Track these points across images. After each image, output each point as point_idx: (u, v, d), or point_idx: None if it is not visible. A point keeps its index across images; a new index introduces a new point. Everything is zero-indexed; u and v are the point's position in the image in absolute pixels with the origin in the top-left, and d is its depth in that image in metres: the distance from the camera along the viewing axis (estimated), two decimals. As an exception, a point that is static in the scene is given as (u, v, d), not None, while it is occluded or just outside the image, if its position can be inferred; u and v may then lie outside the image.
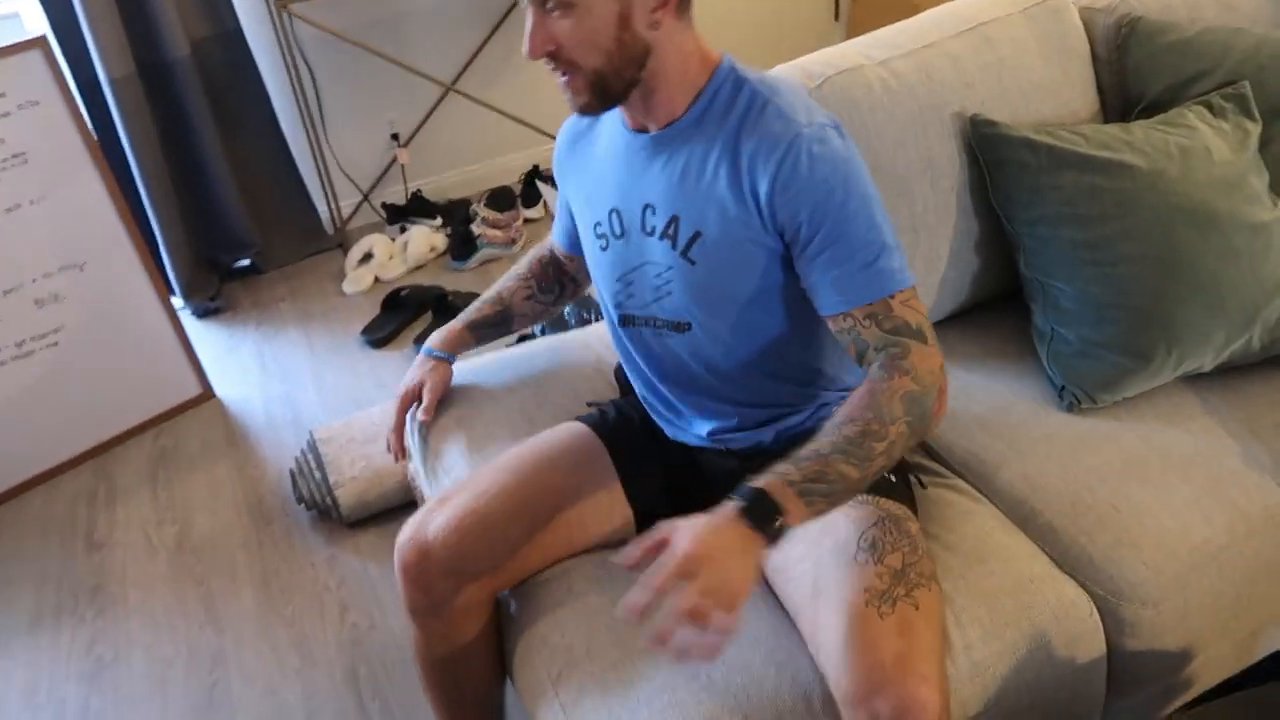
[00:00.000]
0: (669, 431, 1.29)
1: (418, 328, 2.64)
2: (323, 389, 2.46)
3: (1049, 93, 1.54)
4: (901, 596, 0.99)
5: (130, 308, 2.28)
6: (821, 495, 0.94)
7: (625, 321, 1.21)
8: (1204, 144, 1.41)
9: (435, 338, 1.46)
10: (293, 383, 2.50)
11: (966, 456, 1.36)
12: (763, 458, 1.05)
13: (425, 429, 1.50)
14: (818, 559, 1.06)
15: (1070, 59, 1.57)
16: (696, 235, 1.09)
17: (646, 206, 1.13)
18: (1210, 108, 1.49)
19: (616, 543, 1.25)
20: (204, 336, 2.71)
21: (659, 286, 1.14)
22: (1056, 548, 1.23)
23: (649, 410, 1.31)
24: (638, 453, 1.29)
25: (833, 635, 0.98)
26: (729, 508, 0.91)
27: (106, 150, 2.47)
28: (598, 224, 1.20)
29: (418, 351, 2.51)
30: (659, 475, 1.29)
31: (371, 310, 2.75)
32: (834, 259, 1.03)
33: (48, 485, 2.25)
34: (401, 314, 2.67)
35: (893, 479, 1.16)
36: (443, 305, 2.64)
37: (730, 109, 1.07)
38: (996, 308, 1.60)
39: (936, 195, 1.47)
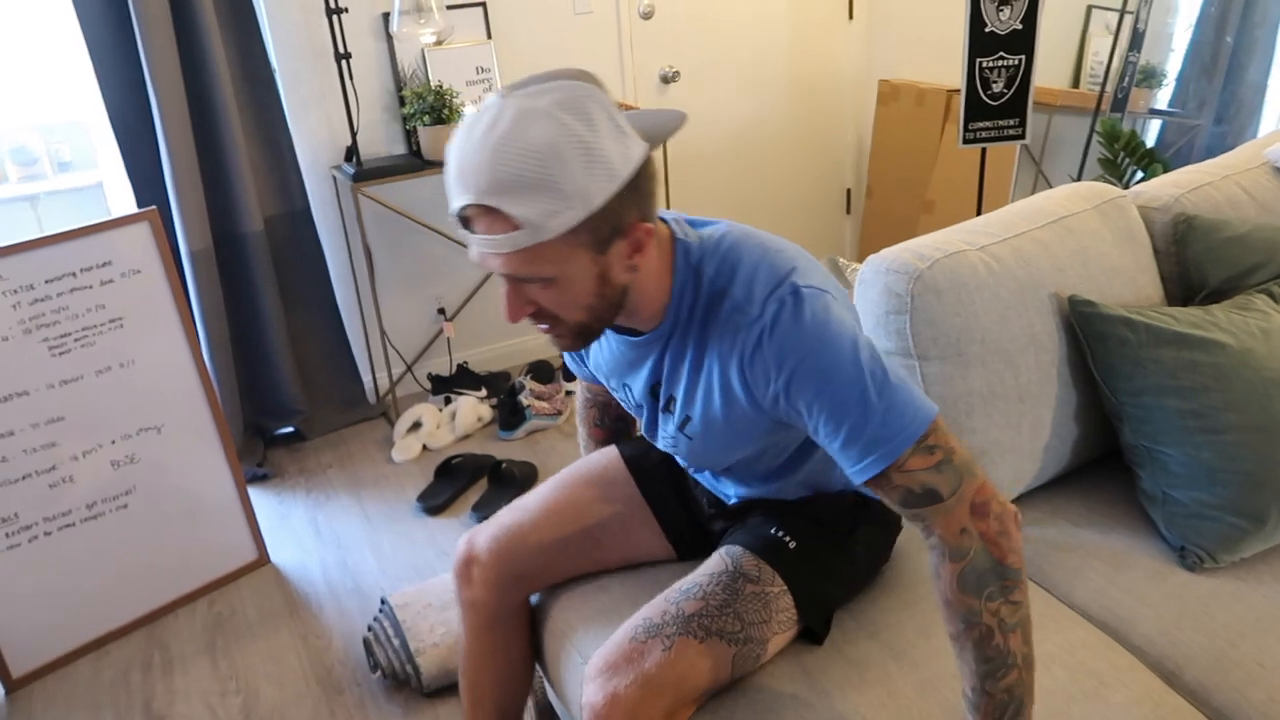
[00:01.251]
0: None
1: (473, 495, 2.66)
2: (381, 556, 2.44)
3: (1126, 278, 1.70)
4: (666, 635, 1.16)
5: (200, 469, 2.28)
6: (1012, 683, 1.03)
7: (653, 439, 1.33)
8: (1279, 326, 1.56)
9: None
10: (349, 549, 2.47)
11: (1100, 611, 1.41)
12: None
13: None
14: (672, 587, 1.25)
15: (1138, 250, 1.74)
16: (686, 419, 1.20)
17: (652, 385, 1.22)
18: (1272, 295, 1.65)
19: (651, 561, 1.49)
20: (253, 503, 2.68)
21: (672, 445, 1.28)
22: (1209, 706, 1.27)
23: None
24: (664, 486, 1.46)
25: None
26: None
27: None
28: (616, 389, 1.32)
29: (475, 520, 2.54)
30: (683, 508, 1.47)
31: (422, 478, 2.77)
32: (830, 434, 1.05)
33: (95, 655, 2.17)
34: (456, 482, 2.69)
35: (790, 543, 1.27)
36: (497, 473, 2.68)
37: (694, 309, 1.12)
38: (1093, 473, 1.69)
39: (1039, 368, 1.59)
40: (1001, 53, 2.64)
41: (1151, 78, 3.40)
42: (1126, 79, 3.15)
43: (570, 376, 3.23)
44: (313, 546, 2.50)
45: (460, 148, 0.96)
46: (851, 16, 3.64)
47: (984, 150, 2.83)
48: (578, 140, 0.93)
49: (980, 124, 2.72)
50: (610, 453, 1.52)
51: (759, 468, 1.30)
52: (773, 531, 1.29)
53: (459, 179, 0.96)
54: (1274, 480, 1.42)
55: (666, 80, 3.36)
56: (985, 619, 1.01)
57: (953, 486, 1.02)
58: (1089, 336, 1.57)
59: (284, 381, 2.88)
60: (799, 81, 3.64)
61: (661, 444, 1.30)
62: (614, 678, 1.15)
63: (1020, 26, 2.61)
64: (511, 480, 2.65)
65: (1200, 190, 1.85)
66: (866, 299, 1.61)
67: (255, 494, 2.74)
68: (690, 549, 1.47)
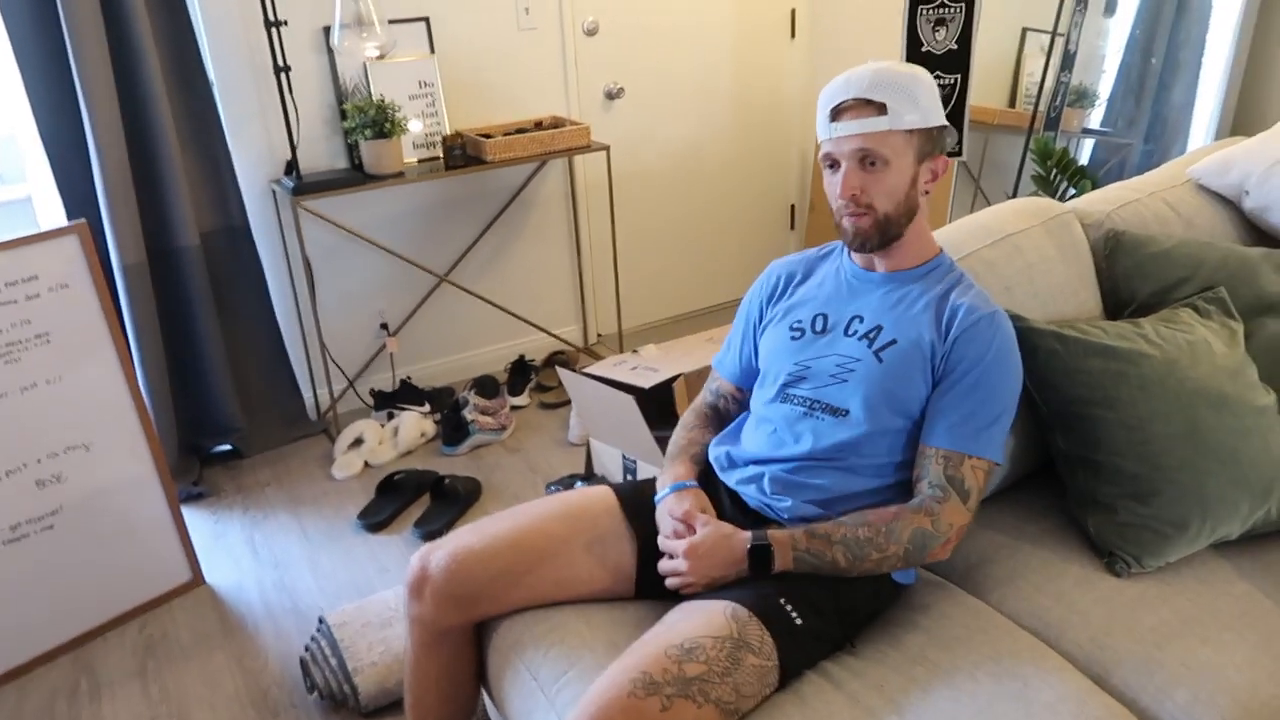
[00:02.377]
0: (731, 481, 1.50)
1: (415, 512, 2.62)
2: (320, 574, 2.39)
3: (1070, 293, 1.73)
4: (666, 694, 1.15)
5: (130, 489, 2.21)
6: (809, 564, 1.33)
7: (784, 398, 1.46)
8: (1204, 338, 1.60)
9: (667, 475, 1.52)
10: (287, 569, 2.42)
11: (1030, 618, 1.44)
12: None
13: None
14: (668, 624, 1.28)
15: (1081, 264, 1.78)
16: (892, 341, 1.40)
17: (855, 317, 1.45)
18: (1197, 310, 1.70)
19: (610, 598, 1.48)
20: (188, 522, 2.61)
21: (836, 374, 1.42)
22: (1135, 707, 1.29)
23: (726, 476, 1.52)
24: (650, 524, 1.47)
25: (602, 676, 1.19)
26: (741, 539, 1.34)
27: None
28: (797, 322, 1.50)
29: (418, 536, 2.51)
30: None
31: (363, 495, 2.72)
32: (961, 403, 1.36)
33: (19, 682, 2.09)
34: (398, 498, 2.65)
35: (796, 619, 1.30)
36: (440, 488, 2.64)
37: (946, 276, 1.46)
38: (1026, 485, 1.73)
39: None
40: (938, 72, 2.70)
41: (1084, 98, 3.50)
42: (1059, 99, 3.24)
43: (516, 391, 3.21)
44: (249, 566, 2.44)
45: (848, 73, 1.37)
46: (794, 35, 3.70)
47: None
48: (932, 81, 1.38)
49: (918, 142, 2.76)
50: (599, 490, 1.54)
51: (872, 443, 1.40)
52: (781, 601, 1.30)
53: (845, 86, 1.36)
54: (1197, 487, 1.46)
55: (611, 96, 3.37)
56: (890, 547, 1.32)
57: (972, 506, 1.35)
58: (1024, 350, 1.60)
59: (221, 398, 2.82)
60: (742, 99, 3.68)
61: (811, 379, 1.44)
62: None
63: (955, 47, 2.67)
64: (455, 496, 2.62)
65: (1129, 206, 1.91)
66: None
67: (190, 513, 2.67)
68: (652, 588, 1.44)
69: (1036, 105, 3.08)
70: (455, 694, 1.54)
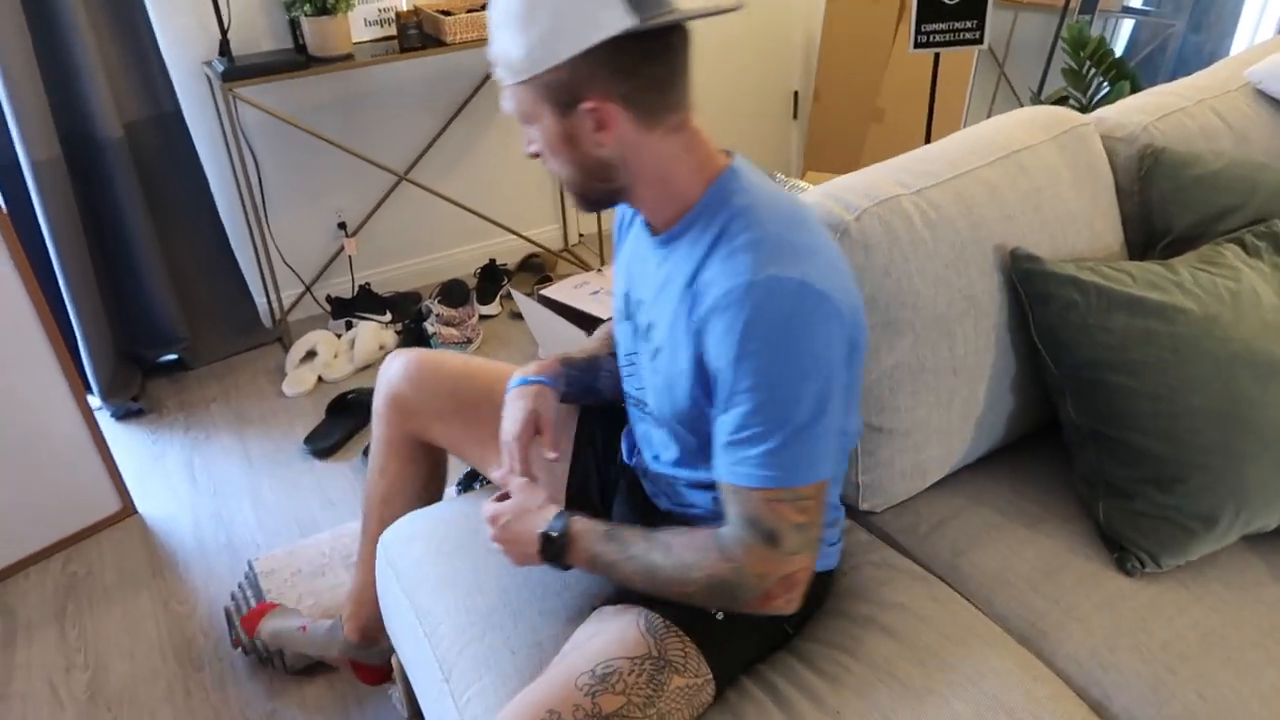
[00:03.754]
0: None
1: (366, 437, 2.43)
2: (261, 506, 2.22)
3: (1084, 224, 1.46)
4: None
5: (42, 411, 2.01)
6: (602, 570, 1.06)
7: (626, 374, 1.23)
8: (1251, 286, 1.34)
9: (525, 370, 1.28)
10: (226, 499, 2.25)
11: (1021, 624, 1.24)
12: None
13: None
14: (577, 644, 1.10)
15: (1099, 189, 1.51)
16: (659, 349, 1.09)
17: (639, 301, 1.13)
18: (1244, 246, 1.44)
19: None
20: (124, 443, 2.44)
21: (627, 366, 1.20)
22: (1139, 741, 1.10)
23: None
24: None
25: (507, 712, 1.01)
26: (539, 524, 1.09)
27: (21, 236, 2.23)
28: (619, 298, 1.22)
29: (365, 464, 2.32)
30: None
31: (314, 414, 2.53)
32: (735, 423, 0.97)
33: (-68, 621, 1.95)
34: (348, 421, 2.45)
35: (717, 614, 1.11)
36: (395, 411, 2.44)
37: (707, 232, 1.01)
38: (1028, 449, 1.50)
39: (978, 335, 1.37)
40: (960, -57, 2.33)
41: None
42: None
43: (486, 299, 2.97)
44: (186, 495, 2.27)
45: None
46: (803, -103, 3.27)
47: (937, 56, 2.55)
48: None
49: (934, 26, 2.43)
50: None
51: (673, 453, 1.17)
52: None
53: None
54: (1234, 474, 1.23)
55: (593, -34, 2.99)
56: (686, 587, 1.01)
57: (792, 549, 0.98)
58: (1031, 297, 1.35)
59: (159, 303, 2.60)
60: (743, -30, 3.28)
61: (626, 369, 1.21)
62: None
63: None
64: (411, 419, 2.42)
65: (1171, 117, 1.61)
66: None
67: (128, 432, 2.49)
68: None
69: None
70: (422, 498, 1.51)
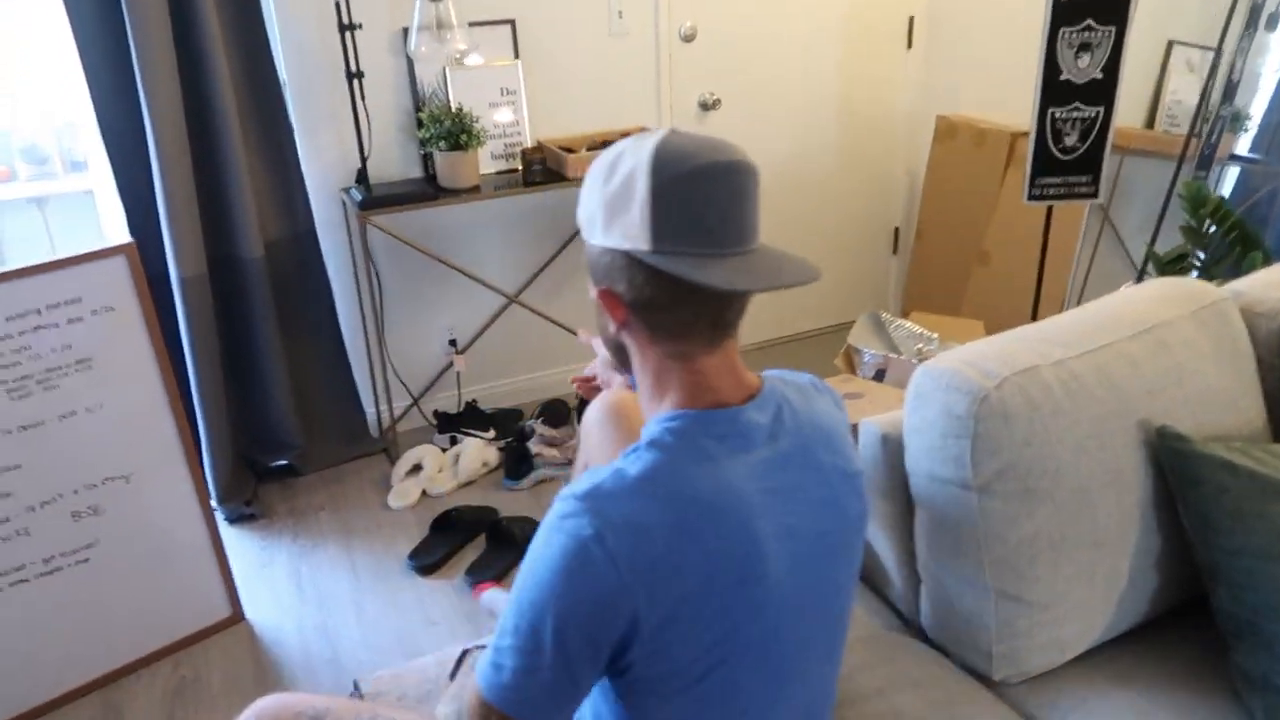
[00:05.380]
0: None
1: (469, 555, 2.46)
2: (364, 621, 2.24)
3: (1228, 401, 1.45)
4: None
5: (171, 522, 2.09)
6: None
7: None
8: None
9: None
10: (331, 611, 2.28)
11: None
12: None
13: None
14: None
15: (1241, 364, 1.49)
16: None
17: None
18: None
19: None
20: (234, 547, 2.50)
21: None
22: None
23: None
24: None
25: None
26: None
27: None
28: None
29: (469, 584, 2.34)
30: None
31: (417, 528, 2.57)
32: None
33: (45, 719, 1.99)
34: (452, 538, 2.49)
35: None
36: (496, 531, 2.47)
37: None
38: (1175, 626, 1.45)
39: (1120, 509, 1.35)
40: (1077, 103, 2.38)
41: (1235, 121, 3.12)
42: (1214, 131, 2.87)
43: (585, 420, 3.01)
44: (292, 604, 2.31)
45: None
46: (910, 45, 3.38)
47: (1050, 207, 2.58)
48: (599, 173, 0.95)
49: (1049, 180, 2.46)
50: None
51: None
52: None
53: None
54: (1406, 682, 1.17)
55: (706, 107, 3.12)
56: None
57: None
58: (1180, 479, 1.33)
59: (280, 414, 2.70)
60: (849, 112, 3.39)
61: None
62: None
63: (1100, 75, 2.35)
64: (510, 540, 2.44)
65: (1315, 294, 1.59)
66: (921, 416, 1.38)
67: (239, 536, 2.56)
68: None
69: (1191, 133, 2.72)
70: None
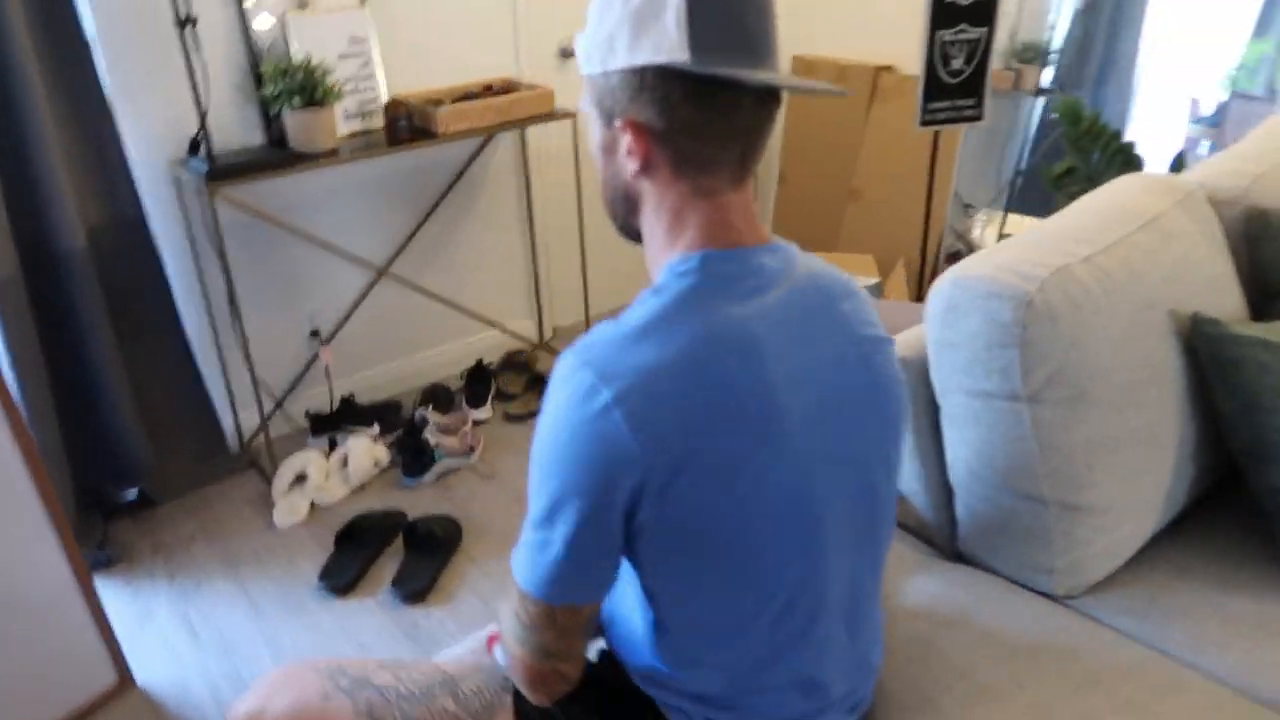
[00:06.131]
0: None
1: (387, 566, 2.17)
2: (283, 657, 1.92)
3: (1224, 286, 1.46)
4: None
5: (27, 574, 1.68)
6: None
7: None
8: None
9: None
10: (239, 654, 1.94)
11: (1253, 686, 1.16)
12: None
13: None
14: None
15: (1221, 252, 1.51)
16: None
17: None
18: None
19: None
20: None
21: None
22: None
23: None
24: None
25: None
26: None
27: (-21, 368, 1.91)
28: None
29: (398, 598, 2.06)
30: None
31: (318, 546, 2.25)
32: None
33: None
34: (362, 550, 2.19)
35: None
36: (413, 535, 2.20)
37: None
38: (1208, 518, 1.45)
39: (1162, 403, 1.32)
40: (964, 25, 2.39)
41: (1040, 55, 3.29)
42: (1066, 56, 3.01)
43: (476, 402, 2.77)
44: (189, 655, 1.95)
45: None
46: (755, -14, 3.32)
47: (936, 134, 2.59)
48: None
49: (938, 104, 2.47)
50: None
51: None
52: None
53: None
54: None
55: (567, 55, 2.93)
56: None
57: (514, 642, 0.92)
58: (1221, 363, 1.32)
59: (123, 433, 2.27)
60: (703, 57, 3.28)
61: None
62: None
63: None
64: (432, 542, 2.18)
65: (1265, 179, 1.64)
66: (957, 330, 1.29)
67: (102, 588, 2.14)
68: None
69: (1044, 62, 2.83)
70: None
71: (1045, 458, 1.28)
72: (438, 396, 2.78)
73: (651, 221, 0.90)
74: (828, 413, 0.88)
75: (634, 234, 0.94)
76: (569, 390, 0.80)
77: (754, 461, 0.83)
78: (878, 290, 2.53)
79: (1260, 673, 1.18)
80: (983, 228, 3.31)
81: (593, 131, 0.91)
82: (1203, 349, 1.33)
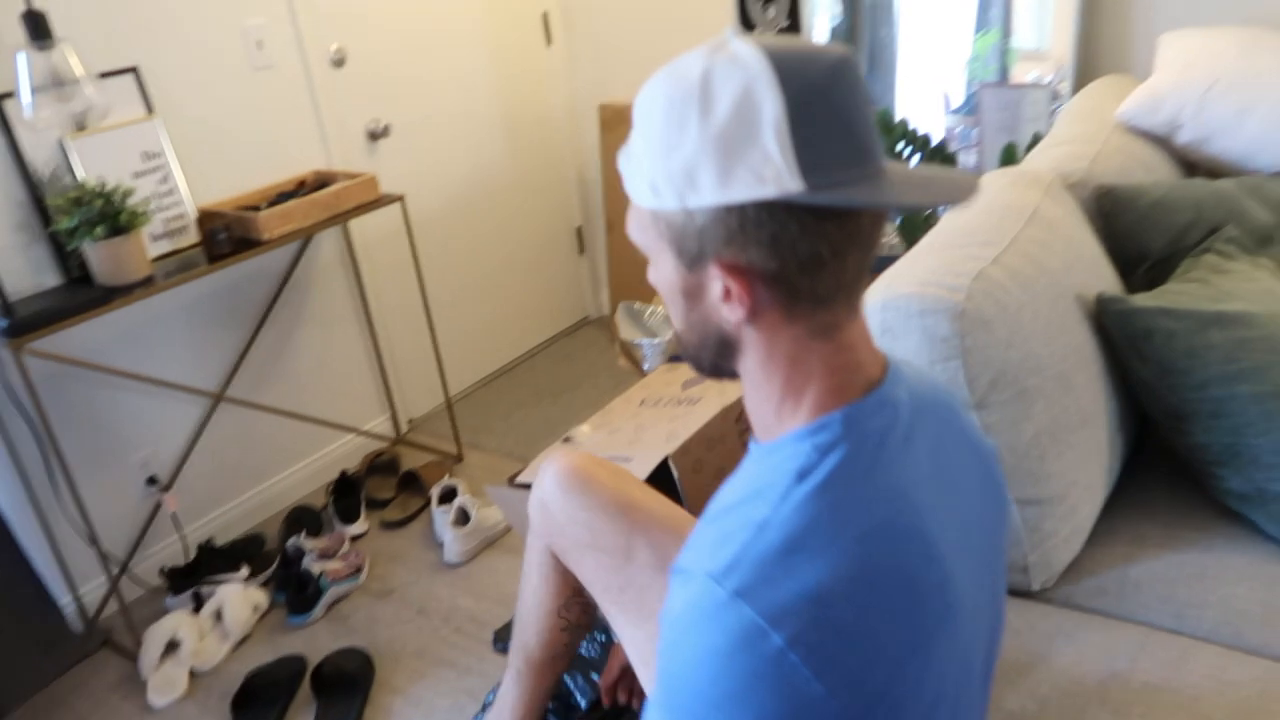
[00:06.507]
0: None
1: (298, 718, 1.94)
2: None
3: (1102, 264, 1.55)
4: None
5: None
6: None
7: None
8: (1265, 284, 1.48)
9: None
10: None
11: (1234, 638, 1.21)
12: None
13: None
14: None
15: (1087, 231, 1.60)
16: None
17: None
18: (1222, 254, 1.59)
19: None
20: None
21: None
22: None
23: None
24: None
25: None
26: None
27: None
28: None
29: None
30: None
31: (213, 717, 1.98)
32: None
33: None
34: (266, 710, 1.94)
35: None
36: (320, 680, 1.98)
37: (765, 473, 0.74)
38: (1139, 484, 1.52)
39: (1089, 383, 1.38)
40: (772, 55, 2.46)
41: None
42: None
43: (349, 517, 2.55)
44: None
45: None
46: (550, 41, 3.31)
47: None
48: (684, 104, 0.68)
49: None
50: None
51: None
52: None
53: None
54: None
55: (375, 136, 2.79)
56: None
57: None
58: (1132, 336, 1.39)
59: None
60: (511, 120, 3.23)
61: None
62: None
63: (787, 23, 2.45)
64: (343, 682, 1.97)
65: (1100, 160, 1.77)
66: (899, 351, 1.29)
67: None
68: None
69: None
70: None
71: (1001, 459, 1.29)
72: (306, 520, 2.54)
73: (760, 372, 0.76)
74: (979, 561, 0.81)
75: (725, 374, 0.80)
76: (722, 630, 0.65)
77: (934, 659, 0.71)
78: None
79: (1242, 623, 1.24)
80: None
81: (664, 269, 0.75)
82: (1113, 326, 1.40)
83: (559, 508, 1.28)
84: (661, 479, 1.62)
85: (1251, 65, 1.87)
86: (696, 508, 1.64)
